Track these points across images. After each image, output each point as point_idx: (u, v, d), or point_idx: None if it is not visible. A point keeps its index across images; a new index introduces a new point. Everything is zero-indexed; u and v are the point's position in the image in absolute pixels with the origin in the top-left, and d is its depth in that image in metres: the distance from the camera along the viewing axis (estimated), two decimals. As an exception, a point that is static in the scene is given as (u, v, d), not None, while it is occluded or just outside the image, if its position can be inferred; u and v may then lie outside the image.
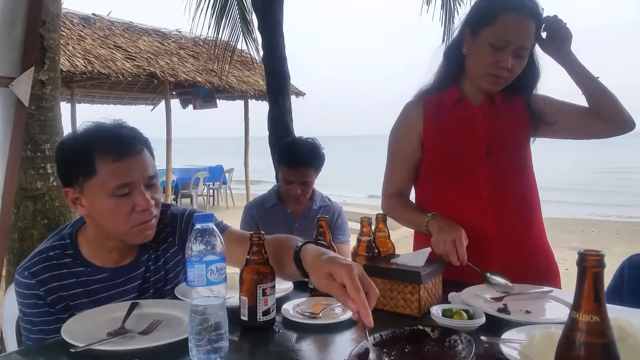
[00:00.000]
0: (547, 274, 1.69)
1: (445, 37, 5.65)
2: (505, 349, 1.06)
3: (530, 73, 1.70)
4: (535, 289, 1.49)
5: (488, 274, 1.52)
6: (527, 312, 1.33)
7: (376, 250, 1.54)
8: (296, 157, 2.46)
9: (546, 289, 1.49)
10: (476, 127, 1.72)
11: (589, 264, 0.65)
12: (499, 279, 1.51)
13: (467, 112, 1.74)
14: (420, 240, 1.81)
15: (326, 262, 1.09)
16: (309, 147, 2.50)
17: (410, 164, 1.81)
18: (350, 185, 20.18)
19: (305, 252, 1.19)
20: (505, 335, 1.14)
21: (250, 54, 5.99)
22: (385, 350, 1.05)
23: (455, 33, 1.72)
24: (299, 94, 10.72)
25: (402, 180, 1.83)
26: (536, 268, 1.71)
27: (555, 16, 1.64)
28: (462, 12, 5.64)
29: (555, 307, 1.37)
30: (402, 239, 5.95)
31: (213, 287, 1.00)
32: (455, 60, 1.71)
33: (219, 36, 5.39)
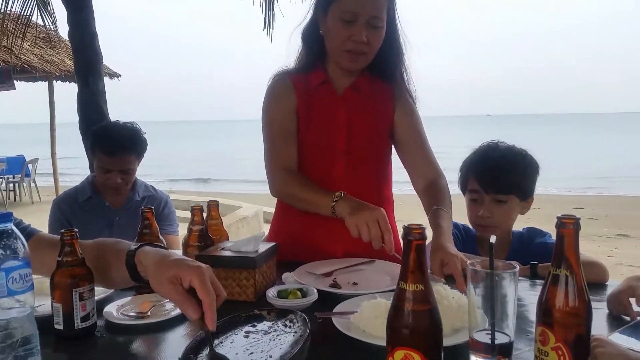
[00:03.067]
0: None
1: (266, 24, 5.70)
2: (337, 322, 1.11)
3: (391, 52, 1.65)
4: (358, 261, 1.58)
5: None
6: (355, 283, 1.42)
7: (209, 240, 1.49)
8: (114, 142, 2.23)
9: (368, 260, 1.58)
10: (337, 119, 1.67)
11: (413, 237, 0.70)
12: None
13: (331, 98, 1.68)
14: (279, 217, 1.78)
15: (172, 265, 0.99)
16: (128, 131, 2.29)
17: (291, 135, 1.68)
18: (176, 172, 19.46)
19: (142, 256, 1.06)
20: (337, 309, 1.20)
21: (54, 31, 5.31)
22: (222, 338, 1.03)
23: (309, 15, 1.67)
24: (114, 75, 9.79)
25: (286, 153, 1.67)
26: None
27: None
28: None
29: (379, 276, 1.48)
30: (232, 224, 5.94)
31: (17, 297, 0.87)
32: (314, 42, 1.66)
33: (11, 8, 4.67)
